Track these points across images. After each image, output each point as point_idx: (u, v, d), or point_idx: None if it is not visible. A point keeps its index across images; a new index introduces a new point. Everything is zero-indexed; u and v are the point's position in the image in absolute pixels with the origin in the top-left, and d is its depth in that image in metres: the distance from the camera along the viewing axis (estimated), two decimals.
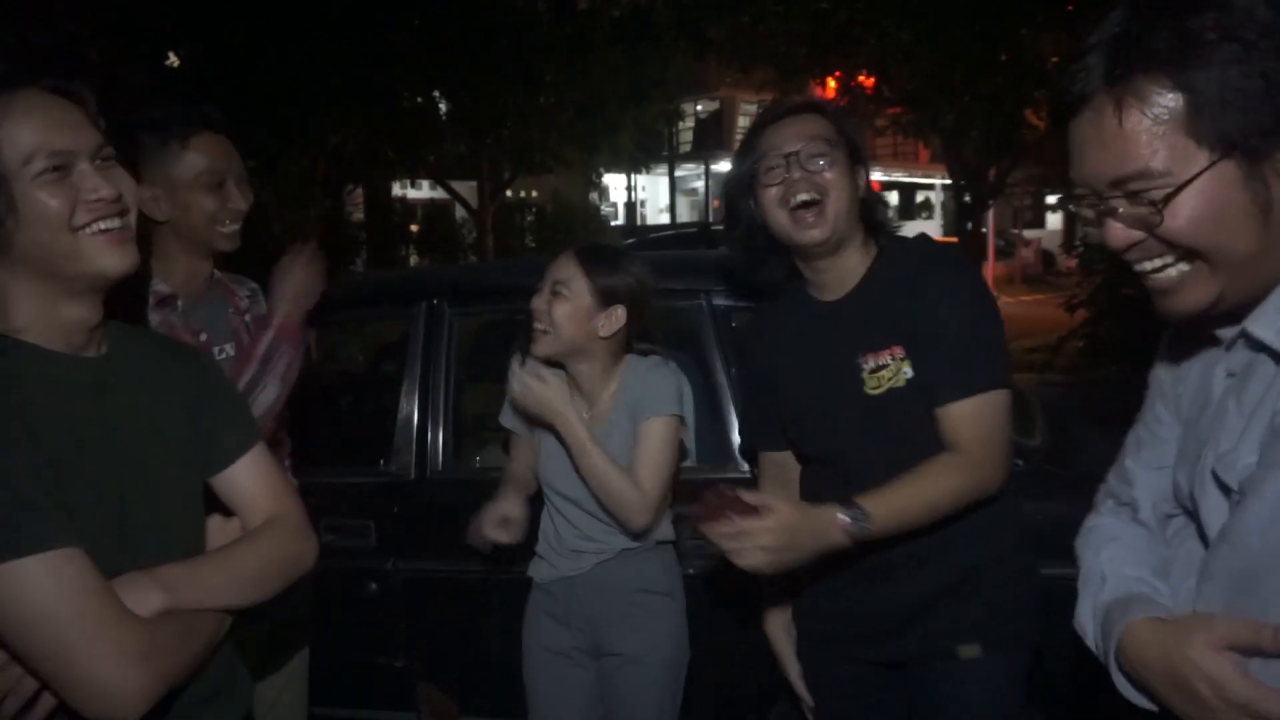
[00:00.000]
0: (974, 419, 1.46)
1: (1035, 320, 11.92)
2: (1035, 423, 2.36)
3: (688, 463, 2.12)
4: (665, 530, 1.92)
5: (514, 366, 1.89)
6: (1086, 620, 1.05)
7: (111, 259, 1.03)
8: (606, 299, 1.84)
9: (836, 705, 1.71)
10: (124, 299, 1.14)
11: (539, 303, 1.86)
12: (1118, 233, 0.93)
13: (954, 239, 13.04)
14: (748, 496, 1.37)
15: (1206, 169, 0.85)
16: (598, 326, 1.84)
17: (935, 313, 1.49)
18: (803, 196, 1.50)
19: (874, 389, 1.53)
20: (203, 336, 1.78)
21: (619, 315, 1.85)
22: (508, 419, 2.03)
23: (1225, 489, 0.92)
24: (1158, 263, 0.93)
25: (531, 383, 1.84)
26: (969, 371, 1.47)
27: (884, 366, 1.53)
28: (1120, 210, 0.91)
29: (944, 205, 29.31)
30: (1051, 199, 24.34)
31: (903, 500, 1.43)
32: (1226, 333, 0.97)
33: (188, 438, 1.16)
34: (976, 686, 1.54)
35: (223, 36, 9.66)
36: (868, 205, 1.60)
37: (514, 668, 1.99)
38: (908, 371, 1.51)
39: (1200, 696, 0.85)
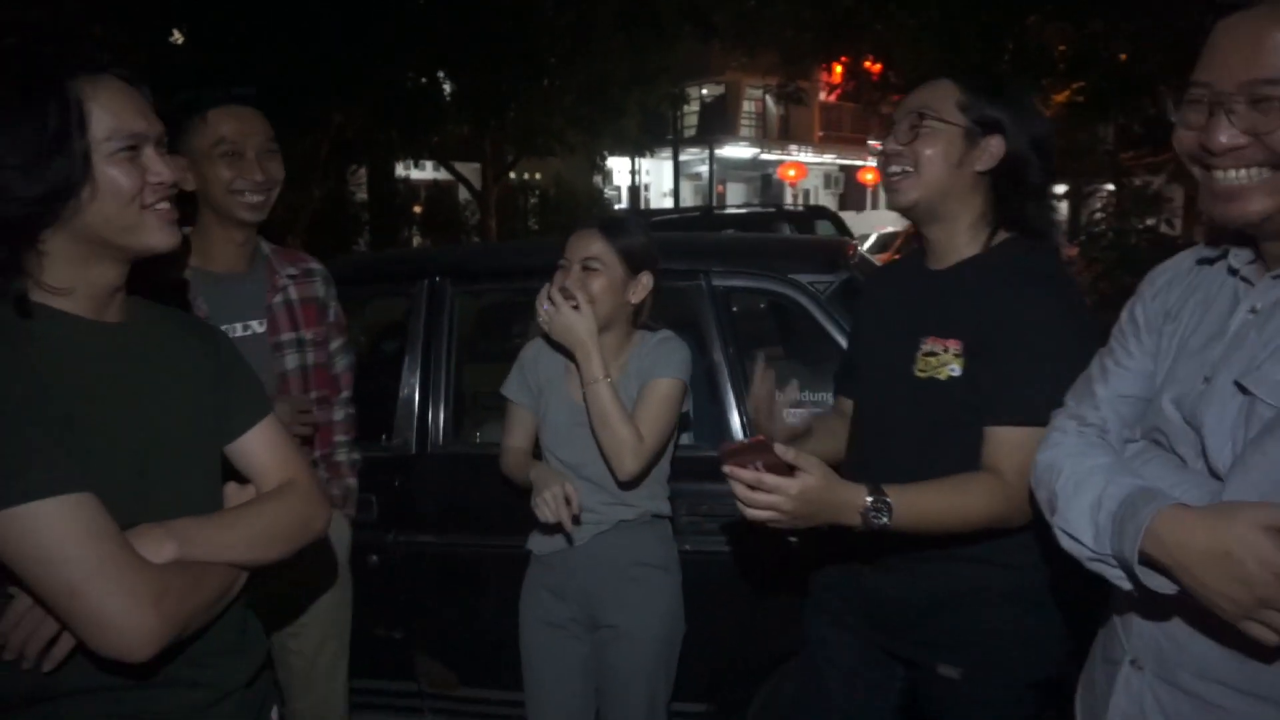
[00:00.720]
0: (1024, 449, 1.33)
1: None
2: None
3: (685, 440, 2.15)
4: (662, 505, 1.95)
5: (545, 290, 1.90)
6: (1079, 518, 1.07)
7: (165, 236, 1.12)
8: (635, 266, 1.90)
9: (820, 661, 1.70)
10: (153, 277, 1.20)
11: (569, 282, 1.87)
12: (1225, 130, 1.00)
13: None
14: (785, 454, 1.32)
15: None
16: (629, 295, 1.90)
17: (1005, 326, 1.42)
18: (894, 168, 1.54)
19: (920, 371, 1.51)
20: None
21: (646, 281, 1.92)
22: (511, 389, 2.04)
23: (1247, 396, 0.98)
24: (1242, 172, 1.01)
25: (563, 306, 1.85)
26: (1032, 400, 1.36)
27: (935, 354, 1.50)
28: (1239, 110, 0.99)
29: None
30: (1057, 188, 24.25)
31: (928, 505, 1.38)
32: (1251, 270, 1.06)
33: (205, 407, 1.21)
34: (954, 707, 1.53)
35: (227, 16, 9.63)
36: (1001, 183, 1.52)
37: (512, 640, 2.02)
38: (954, 369, 1.47)
39: (1245, 571, 0.90)
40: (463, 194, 17.79)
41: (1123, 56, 8.77)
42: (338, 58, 10.28)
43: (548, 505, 1.78)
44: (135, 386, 1.13)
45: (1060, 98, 10.31)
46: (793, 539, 1.40)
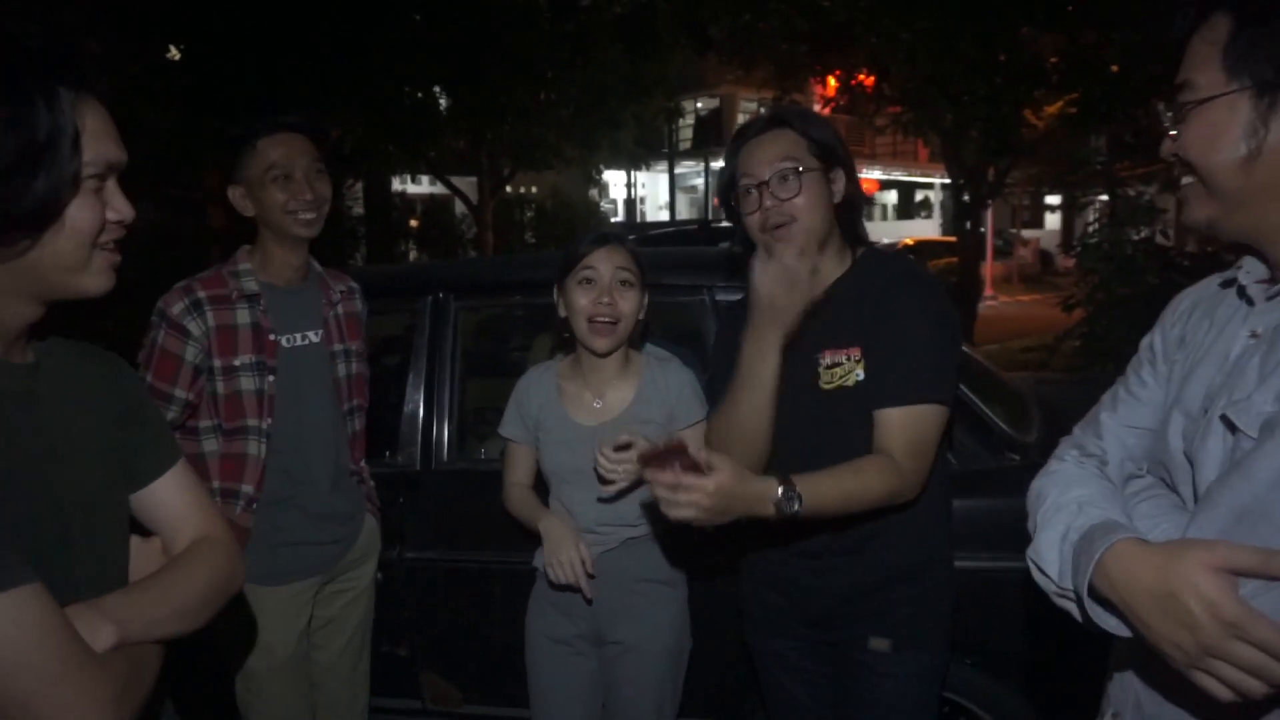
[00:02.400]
0: (909, 428, 1.54)
1: (1032, 320, 11.97)
2: (1031, 419, 2.40)
3: None
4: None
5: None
6: (1048, 550, 1.04)
7: (104, 281, 1.00)
8: (646, 284, 1.92)
9: (780, 674, 1.81)
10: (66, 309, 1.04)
11: (602, 296, 1.84)
12: (1165, 144, 1.03)
13: (953, 238, 13.08)
14: (697, 453, 1.40)
15: (1222, 95, 0.95)
16: (642, 312, 1.92)
17: (897, 324, 1.57)
18: (775, 221, 1.62)
19: (826, 384, 1.62)
20: (271, 336, 1.96)
21: (646, 299, 1.92)
22: (508, 429, 2.03)
23: (1233, 431, 0.93)
24: (1184, 180, 1.03)
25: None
26: (915, 383, 1.54)
27: (839, 364, 1.62)
28: (1172, 121, 1.02)
29: (943, 204, 29.33)
30: (1051, 199, 24.37)
31: (832, 489, 1.50)
32: (1258, 290, 1.01)
33: (115, 451, 1.08)
34: (886, 678, 1.65)
35: (223, 31, 9.66)
36: (845, 211, 1.68)
37: (517, 656, 2.02)
38: (860, 374, 1.60)
39: (1189, 614, 0.83)
40: (459, 208, 17.81)
41: (1115, 68, 8.84)
42: (334, 72, 10.31)
43: (564, 569, 1.82)
44: (49, 437, 0.99)
45: (1053, 109, 10.38)
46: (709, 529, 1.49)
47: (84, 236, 0.95)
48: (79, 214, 0.94)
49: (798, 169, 1.61)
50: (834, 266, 1.69)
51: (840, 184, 1.66)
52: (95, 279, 0.98)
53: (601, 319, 1.84)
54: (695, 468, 1.39)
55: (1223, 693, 0.83)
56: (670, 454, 1.39)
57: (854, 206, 1.70)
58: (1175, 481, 1.03)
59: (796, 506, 1.45)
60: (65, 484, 0.99)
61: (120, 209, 0.98)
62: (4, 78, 0.88)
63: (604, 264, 1.85)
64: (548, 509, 1.96)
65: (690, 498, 1.38)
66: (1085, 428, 1.19)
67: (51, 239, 0.93)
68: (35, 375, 1.01)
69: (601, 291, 1.84)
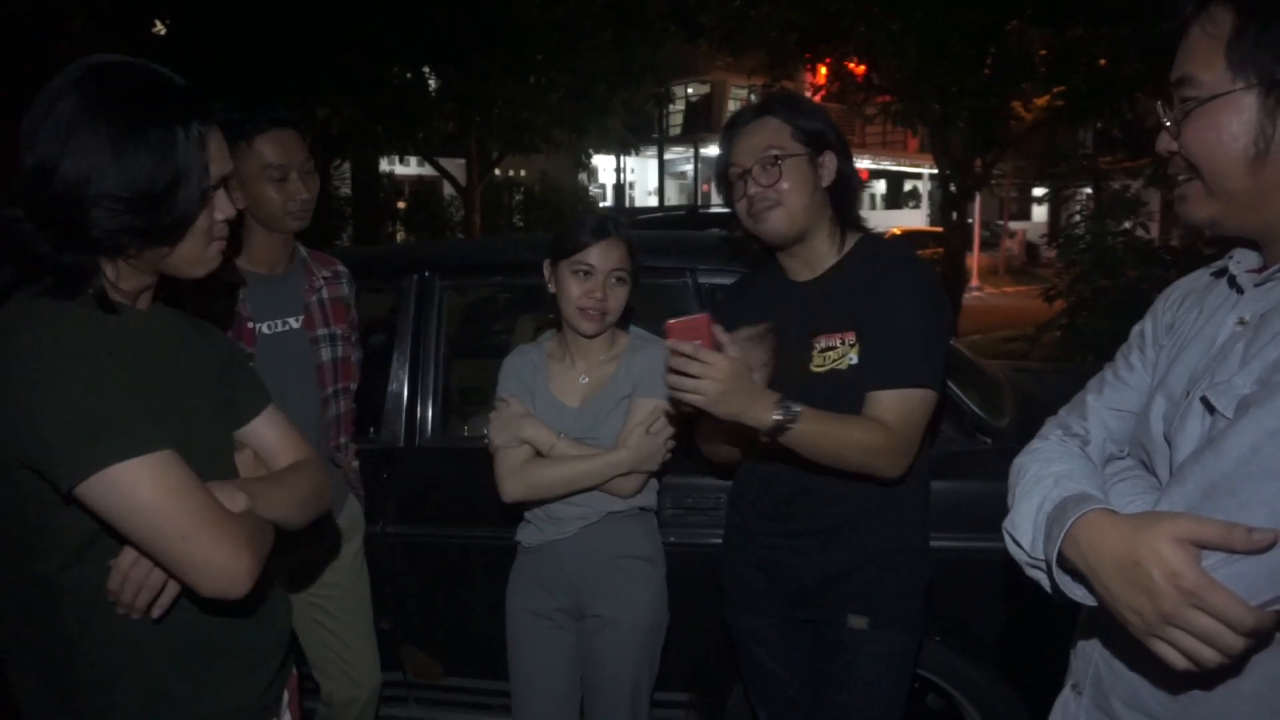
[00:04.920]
0: (899, 409, 1.58)
1: (1016, 311, 12.05)
2: (1005, 404, 2.45)
3: None
4: (649, 498, 1.99)
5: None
6: (1023, 521, 1.05)
7: (213, 265, 1.22)
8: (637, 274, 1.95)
9: (759, 651, 1.86)
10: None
11: (595, 290, 1.87)
12: (1163, 140, 1.01)
13: (940, 228, 13.13)
14: (722, 336, 1.46)
15: (1228, 93, 0.93)
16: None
17: (892, 311, 1.60)
18: (759, 206, 1.68)
19: (819, 366, 1.66)
20: (250, 324, 1.99)
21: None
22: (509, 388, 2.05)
23: (1212, 413, 0.94)
24: (1181, 178, 1.01)
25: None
26: (907, 367, 1.58)
27: (833, 348, 1.65)
28: (1172, 114, 1.00)
29: (931, 194, 29.41)
30: (1038, 191, 24.48)
31: (827, 427, 1.54)
32: (1248, 279, 1.02)
33: (221, 394, 1.30)
34: (862, 656, 1.69)
35: (211, 9, 9.56)
36: (838, 193, 1.71)
37: (497, 630, 2.05)
38: (853, 358, 1.63)
39: (1151, 582, 0.85)
40: (447, 190, 17.73)
41: (1103, 62, 8.88)
42: (323, 52, 10.23)
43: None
44: (171, 368, 1.21)
45: (1041, 102, 10.42)
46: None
47: (200, 237, 1.17)
48: (199, 221, 1.16)
49: (777, 157, 1.65)
50: (827, 250, 1.72)
51: (830, 167, 1.69)
52: (207, 266, 1.21)
53: (590, 309, 1.88)
54: (716, 348, 1.44)
55: (1178, 660, 0.86)
56: (696, 327, 1.43)
57: (847, 188, 1.72)
58: (1154, 463, 1.05)
59: (791, 427, 1.49)
60: (185, 403, 1.19)
61: (225, 209, 1.19)
62: (157, 116, 1.09)
63: (600, 260, 1.88)
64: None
65: (704, 371, 1.42)
66: (1071, 408, 1.21)
67: (180, 244, 1.15)
68: (152, 321, 1.23)
69: (595, 286, 1.87)
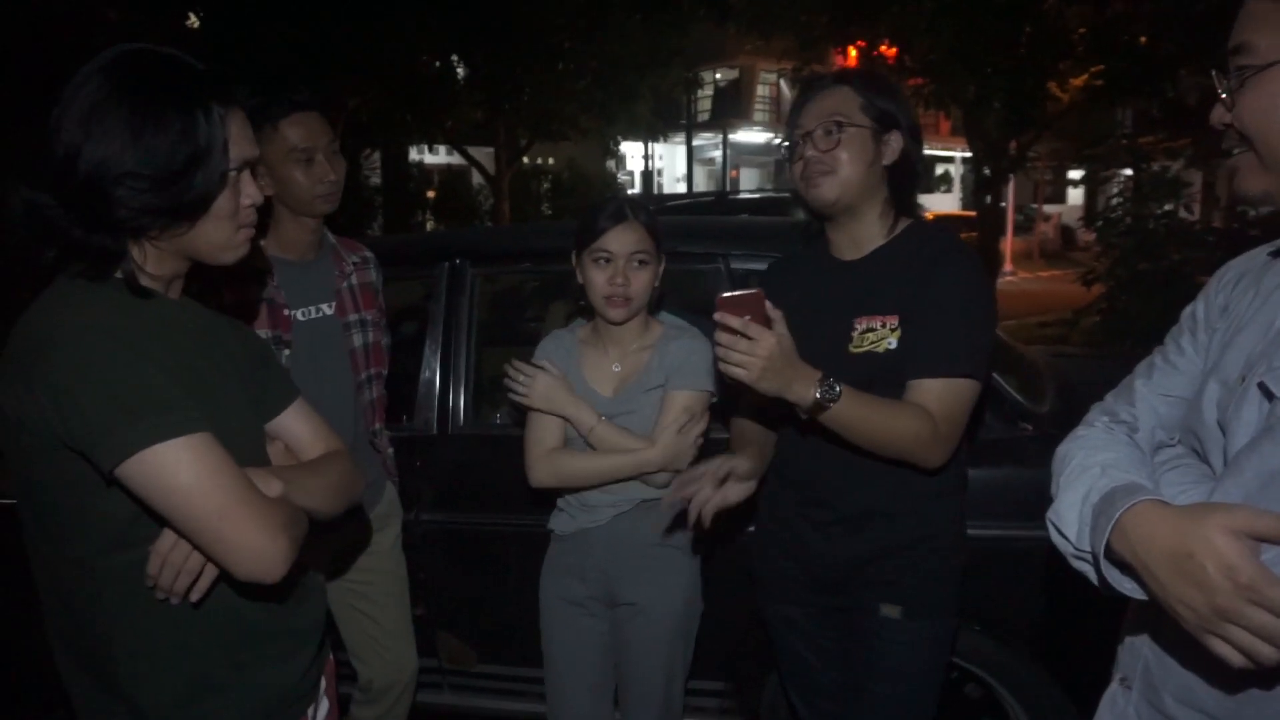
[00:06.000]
0: (943, 399, 1.55)
1: (1052, 296, 11.86)
2: (1045, 391, 2.40)
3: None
4: None
5: (508, 369, 1.95)
6: (1068, 511, 1.02)
7: (242, 252, 1.23)
8: (661, 253, 1.94)
9: (793, 639, 1.84)
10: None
11: (616, 276, 1.86)
12: (1216, 111, 0.98)
13: (972, 213, 12.94)
14: (772, 312, 1.45)
15: None
16: (658, 280, 1.95)
17: (938, 296, 1.57)
18: (814, 170, 1.65)
19: (856, 347, 1.63)
20: (286, 311, 1.99)
21: (662, 266, 1.95)
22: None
23: (1270, 399, 0.90)
24: (1235, 151, 0.98)
25: (537, 377, 1.92)
26: (954, 356, 1.56)
27: (872, 330, 1.62)
28: (1227, 85, 0.96)
29: (963, 178, 28.99)
30: (1074, 174, 24.03)
31: (870, 409, 1.52)
32: None
33: (253, 388, 1.31)
34: (896, 645, 1.67)
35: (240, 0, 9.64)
36: (898, 175, 1.68)
37: (531, 617, 2.05)
38: (892, 343, 1.60)
39: (1205, 576, 0.82)
40: (476, 178, 17.78)
41: (1143, 39, 8.66)
42: (352, 41, 10.28)
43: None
44: (205, 356, 1.22)
45: (1078, 82, 10.20)
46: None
47: (225, 221, 1.18)
48: (222, 204, 1.16)
49: (840, 123, 1.63)
50: (876, 231, 1.69)
51: (895, 147, 1.66)
52: (235, 252, 1.22)
53: (615, 296, 1.87)
54: (765, 324, 1.43)
55: (1234, 657, 0.82)
56: (747, 302, 1.42)
57: (909, 173, 1.69)
58: (1206, 451, 1.01)
59: (831, 405, 1.47)
60: (218, 390, 1.20)
61: (251, 194, 1.21)
62: (176, 98, 1.11)
63: (618, 244, 1.87)
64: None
65: (752, 346, 1.41)
66: (1118, 394, 1.16)
67: (202, 224, 1.16)
68: (185, 311, 1.24)
69: (616, 272, 1.87)
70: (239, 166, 1.18)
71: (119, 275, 1.14)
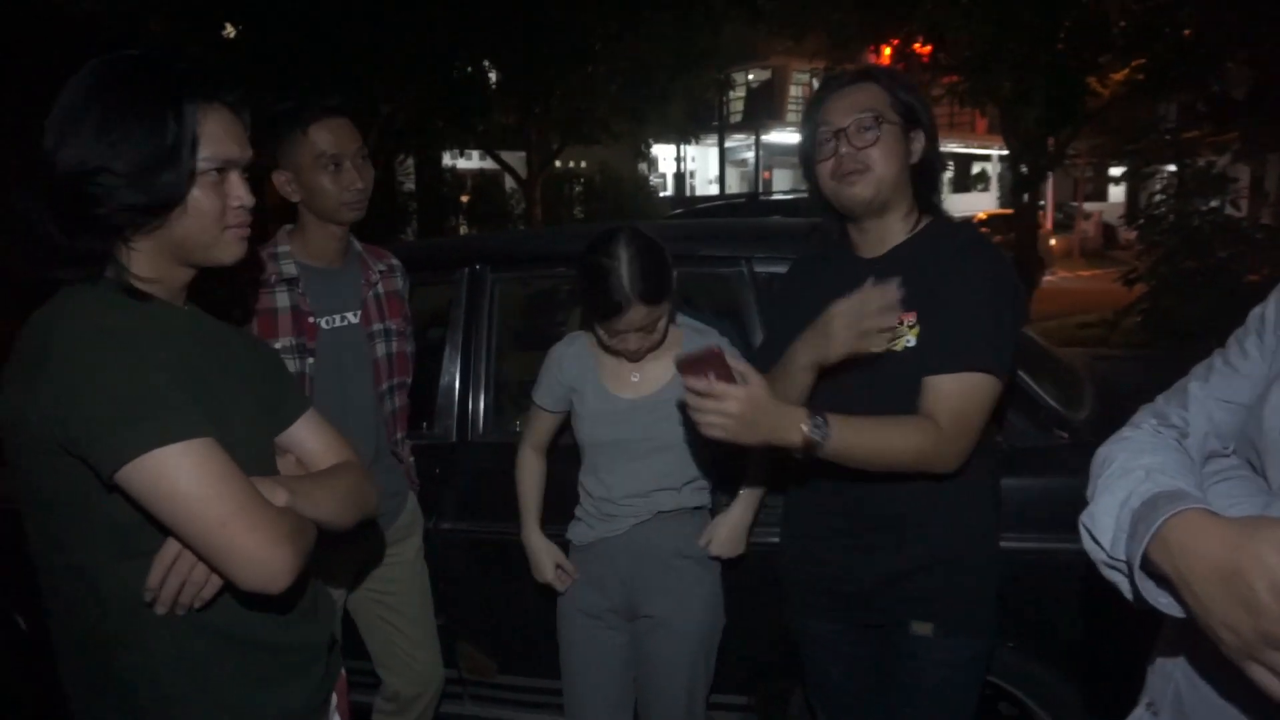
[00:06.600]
0: (956, 395, 1.49)
1: (1092, 295, 11.59)
2: (1083, 397, 2.31)
3: None
4: (702, 497, 1.92)
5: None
6: (1104, 516, 0.94)
7: (234, 252, 1.22)
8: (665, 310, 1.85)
9: (820, 654, 1.79)
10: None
11: (630, 344, 1.81)
12: None
13: (1009, 210, 12.72)
14: (734, 363, 1.40)
15: None
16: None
17: (957, 293, 1.52)
18: (848, 167, 1.59)
19: (875, 347, 1.56)
20: (311, 319, 1.97)
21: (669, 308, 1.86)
22: (541, 395, 2.02)
23: None
24: None
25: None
26: (968, 351, 1.50)
27: (891, 328, 1.55)
28: None
29: (1000, 176, 28.55)
30: (1114, 170, 23.53)
31: (864, 435, 1.47)
32: None
33: (262, 396, 1.29)
34: (928, 663, 1.61)
35: (277, 10, 9.77)
36: (922, 174, 1.64)
37: (550, 628, 2.02)
38: (910, 340, 1.55)
39: (1253, 597, 0.76)
40: (509, 183, 17.88)
41: (1187, 31, 8.43)
42: (386, 48, 10.38)
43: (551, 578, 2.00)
44: (214, 365, 1.21)
45: (1119, 75, 9.96)
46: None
47: (208, 219, 1.16)
48: (201, 201, 1.15)
49: (878, 118, 1.58)
50: (899, 229, 1.65)
51: (919, 145, 1.62)
52: (226, 251, 1.21)
53: (627, 353, 1.85)
54: (730, 378, 1.38)
55: (1277, 689, 0.76)
56: (707, 361, 1.38)
57: (931, 171, 1.65)
58: (1264, 465, 0.93)
59: (826, 440, 1.42)
60: (227, 398, 1.19)
61: (240, 196, 1.19)
62: (146, 96, 1.11)
63: (628, 325, 1.79)
64: (533, 523, 2.04)
65: (720, 405, 1.37)
66: (1170, 397, 1.08)
67: (180, 220, 1.15)
68: (194, 319, 1.24)
69: (628, 341, 1.82)
70: (219, 166, 1.16)
71: (109, 276, 1.14)
